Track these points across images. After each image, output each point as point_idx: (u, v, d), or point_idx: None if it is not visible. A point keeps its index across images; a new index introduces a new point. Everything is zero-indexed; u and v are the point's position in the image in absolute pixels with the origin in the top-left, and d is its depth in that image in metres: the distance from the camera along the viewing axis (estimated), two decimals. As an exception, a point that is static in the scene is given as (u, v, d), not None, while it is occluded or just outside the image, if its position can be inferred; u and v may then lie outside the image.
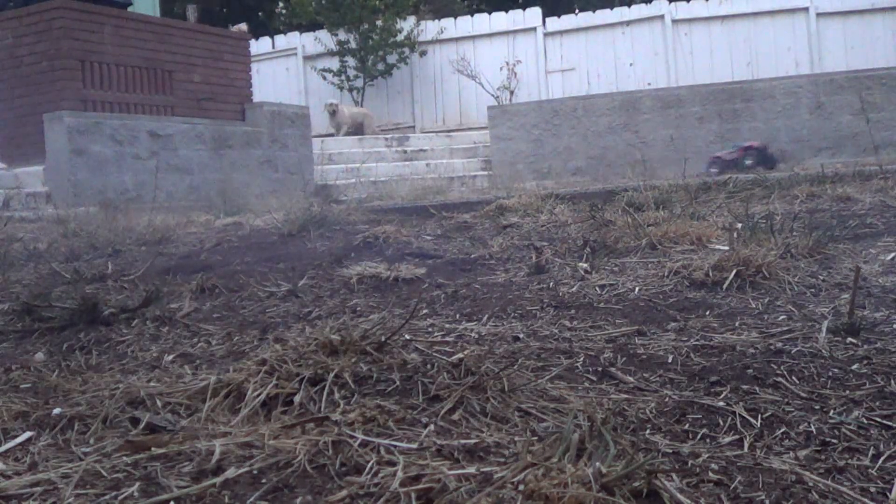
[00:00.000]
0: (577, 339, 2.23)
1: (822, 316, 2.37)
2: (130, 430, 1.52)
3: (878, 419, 1.57)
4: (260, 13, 20.46)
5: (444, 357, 1.82)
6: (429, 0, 15.59)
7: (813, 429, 1.53)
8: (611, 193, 5.75)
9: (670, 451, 1.43)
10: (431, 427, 1.46)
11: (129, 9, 8.94)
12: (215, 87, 9.33)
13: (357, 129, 12.80)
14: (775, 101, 9.99)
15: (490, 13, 14.50)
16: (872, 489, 1.28)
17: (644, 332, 2.30)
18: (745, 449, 1.44)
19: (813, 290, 2.70)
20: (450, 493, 1.16)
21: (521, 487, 1.15)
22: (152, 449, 1.36)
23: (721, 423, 1.58)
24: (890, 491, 1.27)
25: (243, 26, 11.85)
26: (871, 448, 1.44)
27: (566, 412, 1.56)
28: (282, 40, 15.24)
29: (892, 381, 1.78)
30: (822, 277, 2.85)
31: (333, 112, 12.55)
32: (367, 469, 1.26)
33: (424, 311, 2.65)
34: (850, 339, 2.09)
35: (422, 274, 3.32)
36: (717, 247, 3.38)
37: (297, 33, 15.11)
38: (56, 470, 1.31)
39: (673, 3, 13.23)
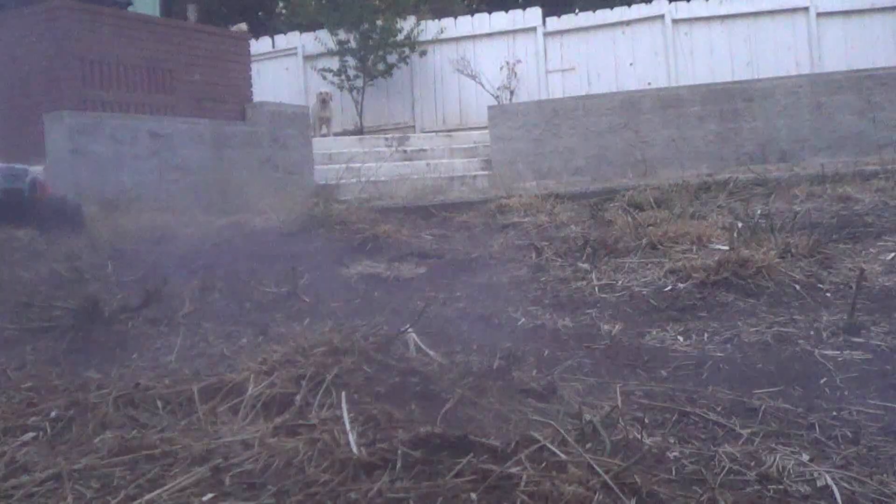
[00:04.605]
0: (577, 339, 2.23)
1: (823, 315, 2.37)
2: (129, 431, 1.52)
3: (881, 417, 1.57)
4: (260, 13, 20.44)
5: (444, 357, 1.82)
6: (429, 0, 15.57)
7: (815, 427, 1.53)
8: (611, 193, 5.75)
9: (670, 449, 1.43)
10: (432, 427, 1.46)
11: (129, 9, 8.93)
12: (215, 87, 9.33)
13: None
14: (775, 100, 9.98)
15: (490, 13, 14.48)
16: (875, 487, 1.28)
17: (644, 332, 2.30)
18: (742, 445, 1.44)
19: (813, 290, 2.70)
20: (450, 493, 1.16)
21: (521, 487, 1.15)
22: (151, 449, 1.36)
23: (721, 421, 1.57)
24: (889, 483, 1.27)
25: (243, 26, 11.83)
26: (871, 446, 1.44)
27: (566, 411, 1.56)
28: (282, 40, 15.21)
29: (892, 380, 1.78)
30: (822, 277, 2.84)
31: (324, 101, 12.44)
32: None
33: (425, 311, 2.64)
34: (850, 339, 2.09)
35: (422, 274, 3.32)
36: (718, 246, 3.37)
37: (297, 33, 15.08)
38: (55, 469, 1.31)
39: (673, 3, 13.21)
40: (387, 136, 12.65)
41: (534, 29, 13.83)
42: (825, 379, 1.82)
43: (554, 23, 13.84)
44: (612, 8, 14.02)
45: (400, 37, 13.87)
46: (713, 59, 13.01)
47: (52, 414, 1.62)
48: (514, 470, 1.20)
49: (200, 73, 9.13)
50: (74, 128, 7.53)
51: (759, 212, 4.25)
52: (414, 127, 14.25)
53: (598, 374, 1.90)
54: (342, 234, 4.51)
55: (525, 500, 1.12)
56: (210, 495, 1.19)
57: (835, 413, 1.61)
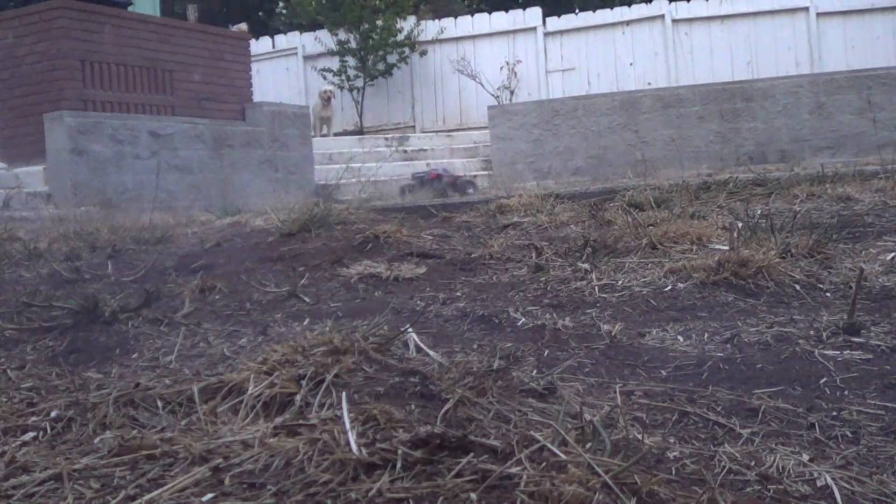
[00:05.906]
0: (577, 339, 2.23)
1: (823, 315, 2.37)
2: (129, 431, 1.52)
3: (881, 417, 1.57)
4: (260, 13, 20.45)
5: (444, 357, 1.82)
6: (429, 0, 15.57)
7: (815, 427, 1.53)
8: (611, 193, 5.74)
9: (670, 449, 1.43)
10: (432, 427, 1.46)
11: (129, 9, 8.93)
12: (215, 87, 9.33)
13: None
14: (775, 100, 9.98)
15: (490, 13, 14.49)
16: (875, 487, 1.28)
17: (644, 332, 2.30)
18: (742, 445, 1.44)
19: (813, 290, 2.70)
20: (450, 493, 1.16)
21: (521, 487, 1.15)
22: (151, 449, 1.36)
23: (721, 421, 1.58)
24: (889, 483, 1.27)
25: (243, 26, 11.83)
26: (871, 446, 1.44)
27: (566, 411, 1.56)
28: (282, 40, 15.22)
29: (892, 380, 1.78)
30: (822, 277, 2.84)
31: (328, 99, 12.40)
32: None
33: (424, 311, 2.65)
34: (850, 339, 2.09)
35: (422, 274, 3.32)
36: (718, 246, 3.37)
37: (297, 33, 15.09)
38: (55, 469, 1.31)
39: (673, 3, 13.22)
40: (387, 136, 12.66)
41: (534, 29, 13.84)
42: (825, 379, 1.82)
43: (554, 23, 13.85)
44: (612, 8, 14.03)
45: (400, 37, 13.88)
46: (713, 59, 13.03)
47: (52, 414, 1.62)
48: (514, 470, 1.20)
49: (200, 73, 9.13)
50: (74, 128, 7.53)
51: (759, 212, 4.25)
52: (414, 127, 14.26)
53: (598, 374, 1.90)
54: (342, 234, 4.50)
55: (525, 500, 1.12)
56: (210, 495, 1.19)
57: (835, 413, 1.61)
